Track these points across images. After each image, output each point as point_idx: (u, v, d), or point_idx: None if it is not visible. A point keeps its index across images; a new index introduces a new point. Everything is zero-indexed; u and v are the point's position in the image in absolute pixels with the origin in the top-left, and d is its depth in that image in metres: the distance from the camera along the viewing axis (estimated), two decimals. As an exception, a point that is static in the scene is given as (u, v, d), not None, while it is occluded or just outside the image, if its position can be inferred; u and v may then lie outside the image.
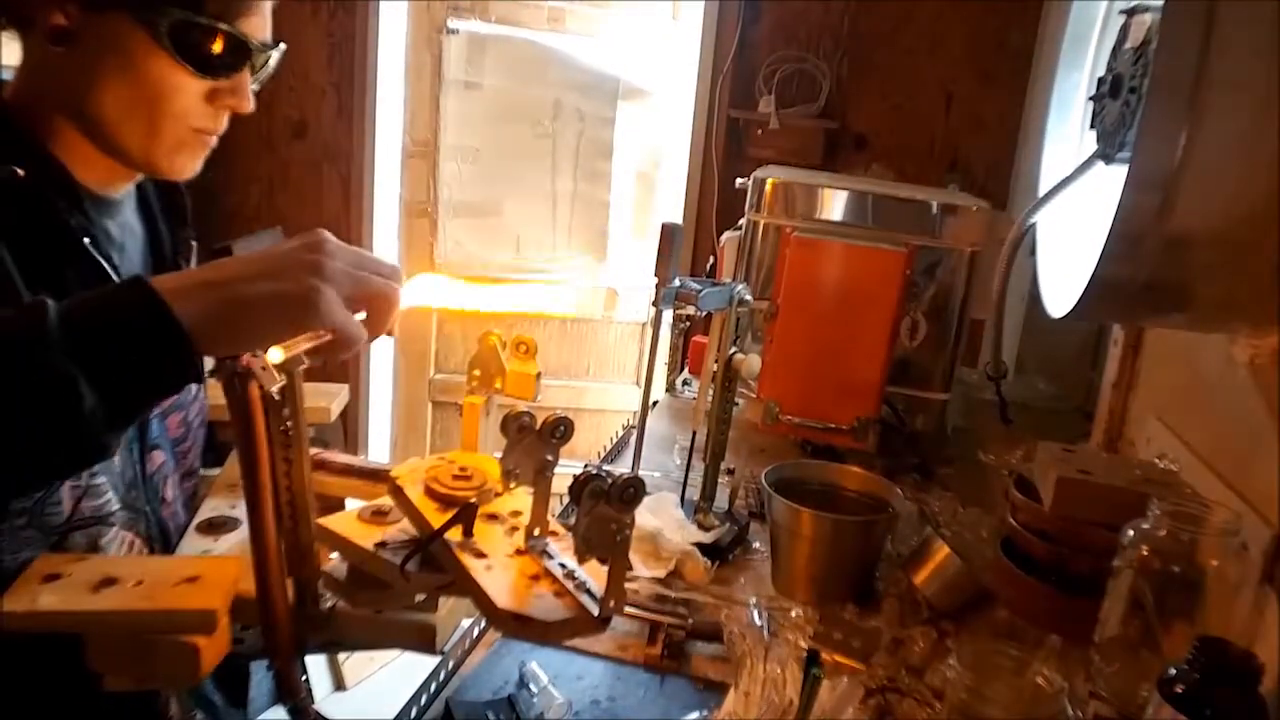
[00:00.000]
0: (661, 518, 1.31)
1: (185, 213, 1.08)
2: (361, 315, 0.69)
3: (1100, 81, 1.08)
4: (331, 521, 0.88)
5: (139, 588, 0.79)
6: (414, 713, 0.98)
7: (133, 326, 0.62)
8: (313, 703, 0.94)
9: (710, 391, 1.38)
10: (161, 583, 0.81)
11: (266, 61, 0.96)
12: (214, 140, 0.94)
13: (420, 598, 0.92)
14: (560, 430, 0.79)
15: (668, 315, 1.32)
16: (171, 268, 1.02)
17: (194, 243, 1.08)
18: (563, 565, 0.77)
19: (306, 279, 0.64)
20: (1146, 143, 0.81)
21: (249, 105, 0.93)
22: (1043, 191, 1.18)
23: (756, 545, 1.35)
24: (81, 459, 0.67)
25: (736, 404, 1.43)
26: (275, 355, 0.65)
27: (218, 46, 0.88)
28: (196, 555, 0.96)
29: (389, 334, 0.75)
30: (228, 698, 1.09)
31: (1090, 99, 1.13)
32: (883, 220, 1.75)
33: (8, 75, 0.92)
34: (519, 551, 0.80)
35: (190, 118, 0.90)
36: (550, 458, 0.79)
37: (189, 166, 0.95)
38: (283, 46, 0.98)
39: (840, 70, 2.91)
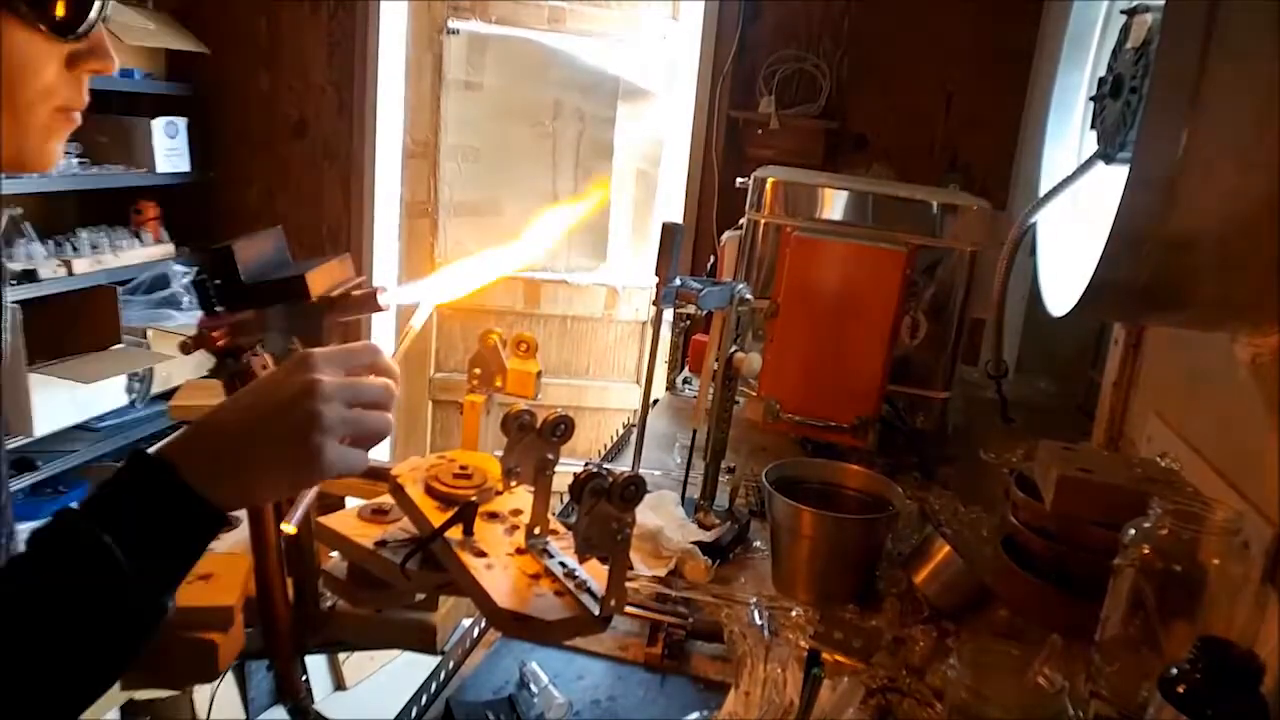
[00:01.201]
0: (662, 516, 1.31)
1: None
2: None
3: (1101, 81, 1.08)
4: (332, 520, 0.88)
5: None
6: (414, 713, 0.98)
7: (180, 529, 0.65)
8: (313, 702, 0.94)
9: (711, 390, 1.38)
10: None
11: (106, 7, 0.78)
12: (78, 119, 0.80)
13: (420, 597, 0.92)
14: (560, 429, 0.79)
15: (668, 314, 1.32)
16: None
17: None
18: (563, 564, 0.77)
19: (309, 437, 0.65)
20: (1148, 143, 0.81)
21: (114, 63, 0.80)
22: (1043, 191, 1.18)
23: (757, 544, 1.35)
24: (155, 627, 0.67)
25: (737, 402, 1.43)
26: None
27: (75, 5, 0.74)
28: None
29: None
30: None
31: (1091, 99, 1.13)
32: (883, 220, 1.75)
33: None
34: (519, 550, 0.80)
35: (55, 95, 0.77)
36: (551, 456, 0.79)
37: (56, 154, 0.81)
38: None
39: (840, 70, 2.91)
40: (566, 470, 0.76)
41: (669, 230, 1.28)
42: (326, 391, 0.66)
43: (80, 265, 2.86)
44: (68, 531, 0.62)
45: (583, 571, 0.76)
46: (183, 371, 2.89)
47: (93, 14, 0.76)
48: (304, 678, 0.92)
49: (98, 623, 0.61)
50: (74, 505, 0.63)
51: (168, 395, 2.86)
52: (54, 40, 0.74)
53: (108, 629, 0.62)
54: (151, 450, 0.65)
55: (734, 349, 1.35)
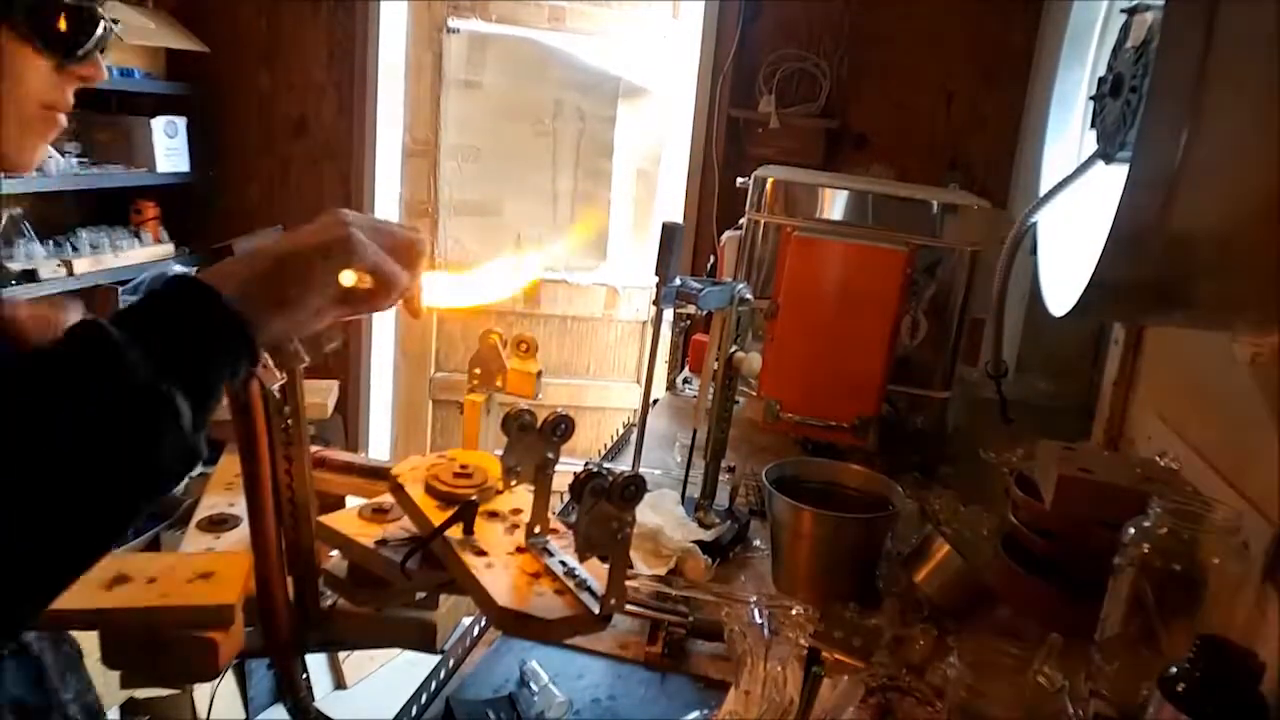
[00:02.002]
0: (662, 515, 1.31)
1: None
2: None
3: (1101, 81, 1.08)
4: (332, 519, 0.88)
5: (153, 585, 0.79)
6: (414, 711, 0.98)
7: (200, 325, 0.61)
8: (313, 701, 0.94)
9: (711, 390, 1.38)
10: (175, 579, 0.81)
11: (109, 31, 0.81)
12: (64, 121, 0.80)
13: (421, 596, 0.92)
14: (561, 428, 0.79)
15: (668, 314, 1.32)
16: None
17: None
18: (563, 563, 0.77)
19: (337, 228, 0.68)
20: (1147, 142, 0.81)
21: (103, 73, 0.81)
22: (1043, 191, 1.18)
23: (757, 543, 1.35)
24: (185, 471, 0.62)
25: (737, 402, 1.43)
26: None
27: (73, 23, 0.75)
28: (203, 551, 0.96)
29: (414, 314, 0.77)
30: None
31: (1091, 98, 1.13)
32: (883, 219, 1.75)
33: None
34: (519, 549, 0.80)
35: (42, 95, 0.77)
36: (551, 455, 0.79)
37: (39, 153, 0.80)
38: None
39: (840, 69, 2.91)
40: (566, 470, 0.76)
41: (669, 230, 1.28)
42: (350, 216, 0.70)
43: (80, 265, 2.86)
44: (93, 340, 0.56)
45: (583, 570, 0.76)
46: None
47: (91, 43, 0.76)
48: (304, 676, 0.92)
49: (121, 443, 0.56)
50: (114, 332, 0.57)
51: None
52: (48, 56, 0.74)
53: (133, 456, 0.56)
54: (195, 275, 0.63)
55: (734, 349, 1.35)
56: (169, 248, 3.25)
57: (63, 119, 0.79)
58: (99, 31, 0.77)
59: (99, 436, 0.55)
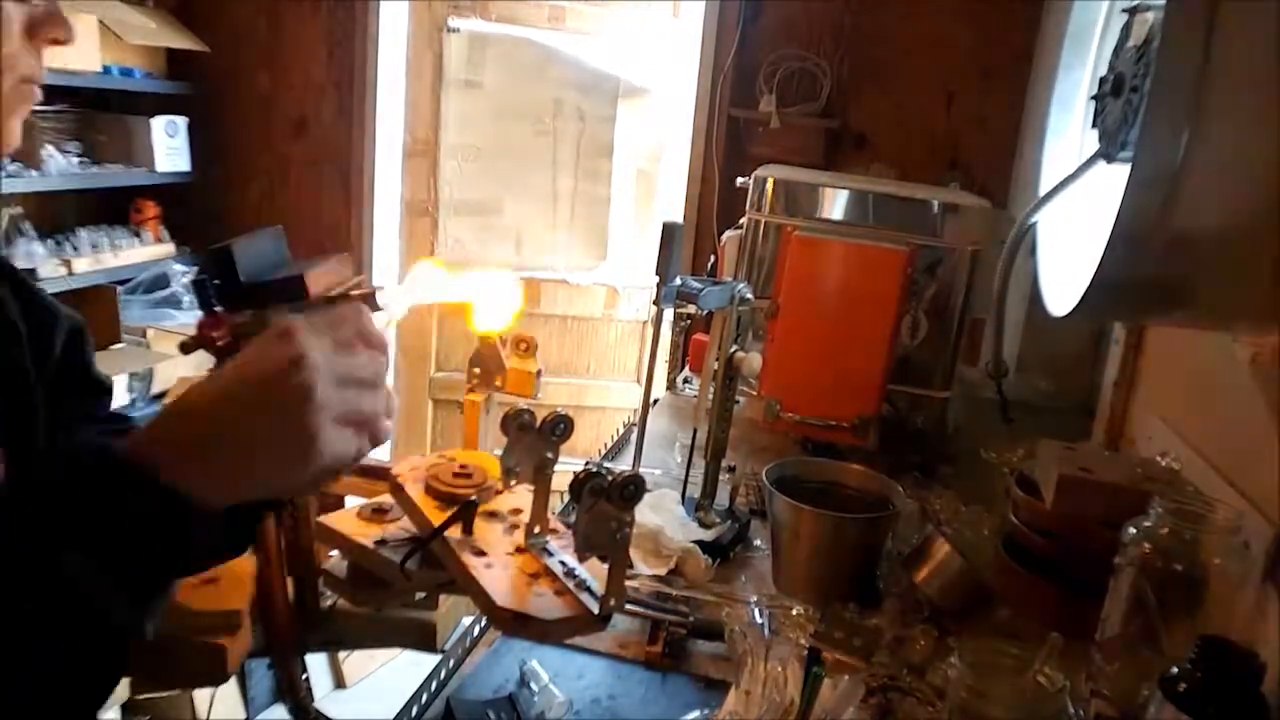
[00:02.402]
0: (662, 515, 1.31)
1: None
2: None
3: (1102, 80, 1.08)
4: (332, 519, 0.88)
5: None
6: (414, 711, 0.98)
7: (147, 525, 0.55)
8: (313, 701, 0.94)
9: (711, 389, 1.38)
10: (181, 585, 0.81)
11: None
12: (39, 93, 0.75)
13: (420, 596, 0.92)
14: (560, 428, 0.79)
15: (668, 313, 1.32)
16: None
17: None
18: (563, 563, 0.77)
19: (302, 416, 0.57)
20: (1149, 142, 0.80)
21: (71, 31, 0.76)
22: (1044, 191, 1.18)
23: (757, 543, 1.35)
24: (122, 666, 0.58)
25: (737, 402, 1.43)
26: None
27: None
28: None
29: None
30: None
31: (1091, 98, 1.13)
32: (884, 219, 1.75)
33: None
34: (519, 549, 0.80)
35: (16, 65, 0.72)
36: (550, 455, 0.79)
37: (17, 133, 0.75)
38: None
39: (841, 69, 2.91)
40: (566, 469, 0.76)
41: (669, 230, 1.28)
42: (314, 360, 0.57)
43: (80, 264, 2.86)
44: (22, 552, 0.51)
45: (583, 570, 0.76)
46: (183, 371, 2.89)
47: None
48: (304, 676, 0.92)
49: (62, 654, 0.52)
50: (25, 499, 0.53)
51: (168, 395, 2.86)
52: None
53: (72, 663, 0.53)
54: (122, 444, 0.56)
55: (734, 348, 1.35)
56: (169, 247, 3.25)
57: (38, 91, 0.74)
58: None
59: (32, 653, 0.51)
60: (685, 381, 2.15)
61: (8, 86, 0.71)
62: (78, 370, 0.91)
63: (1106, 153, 1.05)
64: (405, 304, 0.80)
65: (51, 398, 0.84)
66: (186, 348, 0.79)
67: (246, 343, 0.75)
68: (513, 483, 0.82)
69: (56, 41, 0.73)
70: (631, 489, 0.70)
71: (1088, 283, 0.88)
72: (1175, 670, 0.76)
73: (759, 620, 1.13)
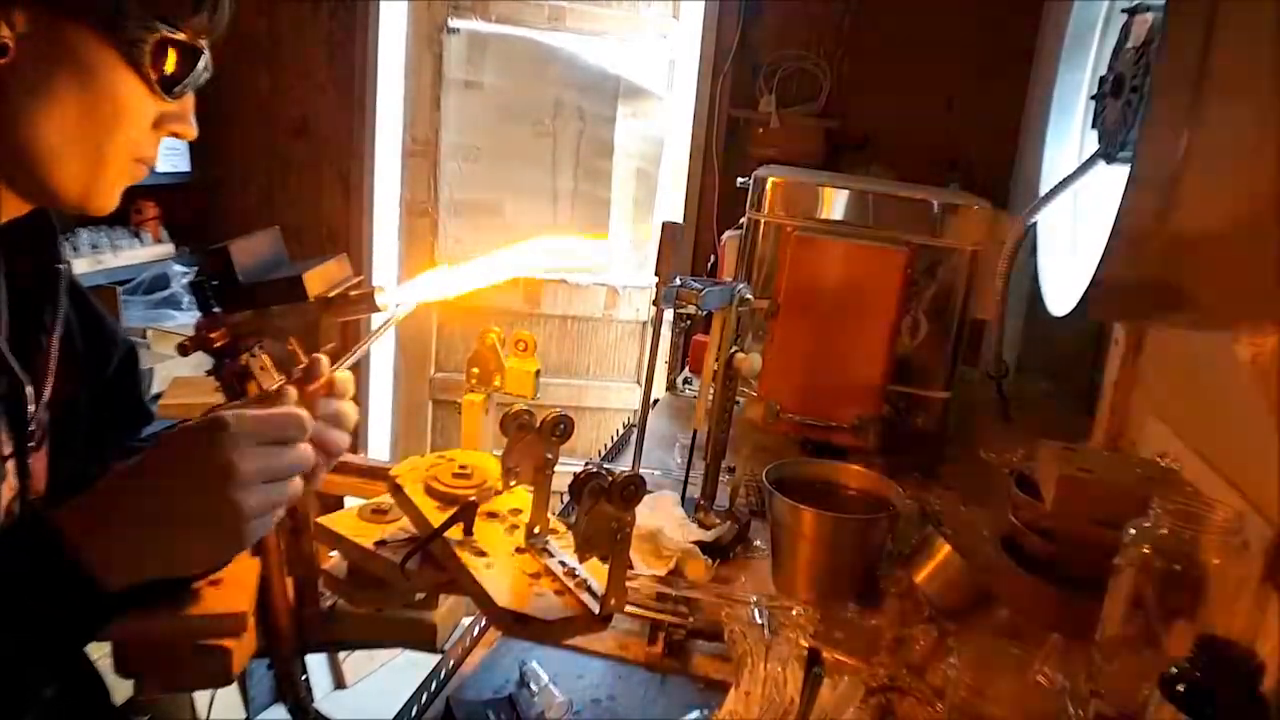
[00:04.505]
0: (662, 516, 1.31)
1: (55, 239, 0.89)
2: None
3: (1102, 81, 1.08)
4: (331, 520, 0.88)
5: None
6: (414, 711, 0.98)
7: (53, 600, 0.60)
8: (313, 701, 0.94)
9: (711, 390, 1.38)
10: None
11: (207, 71, 0.84)
12: (145, 173, 0.83)
13: (420, 596, 0.92)
14: (560, 428, 0.79)
15: (668, 314, 1.32)
16: (37, 304, 0.85)
17: (62, 267, 0.89)
18: (563, 563, 0.77)
19: (224, 507, 0.62)
20: (1148, 142, 0.81)
21: (194, 130, 0.84)
22: (1044, 191, 1.18)
23: (757, 543, 1.35)
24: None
25: (737, 402, 1.43)
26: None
27: (185, 65, 0.78)
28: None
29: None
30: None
31: (1091, 98, 1.13)
32: (884, 219, 1.75)
33: None
34: (519, 550, 0.80)
35: (138, 146, 0.80)
36: (550, 456, 0.79)
37: (116, 201, 0.82)
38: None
39: (841, 69, 2.91)
40: (566, 470, 0.76)
41: (669, 230, 1.28)
42: (232, 436, 0.63)
43: (80, 265, 2.85)
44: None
45: (583, 571, 0.76)
46: (182, 372, 2.89)
47: (193, 74, 0.80)
48: (304, 676, 0.92)
49: None
50: None
51: (168, 395, 2.86)
52: (157, 97, 0.78)
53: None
54: (46, 514, 0.61)
55: (734, 349, 1.35)
56: (169, 247, 3.25)
57: (145, 171, 0.82)
58: (199, 65, 0.79)
59: None
60: (685, 382, 2.15)
61: (125, 163, 0.79)
62: (126, 395, 0.96)
63: (1106, 153, 1.05)
64: (413, 301, 0.80)
65: (97, 418, 0.89)
66: (185, 350, 0.79)
67: (245, 343, 0.76)
68: (512, 483, 0.82)
69: (179, 135, 0.83)
70: (631, 489, 0.70)
71: (1088, 282, 0.88)
72: (1174, 670, 0.76)
73: (759, 620, 1.13)
